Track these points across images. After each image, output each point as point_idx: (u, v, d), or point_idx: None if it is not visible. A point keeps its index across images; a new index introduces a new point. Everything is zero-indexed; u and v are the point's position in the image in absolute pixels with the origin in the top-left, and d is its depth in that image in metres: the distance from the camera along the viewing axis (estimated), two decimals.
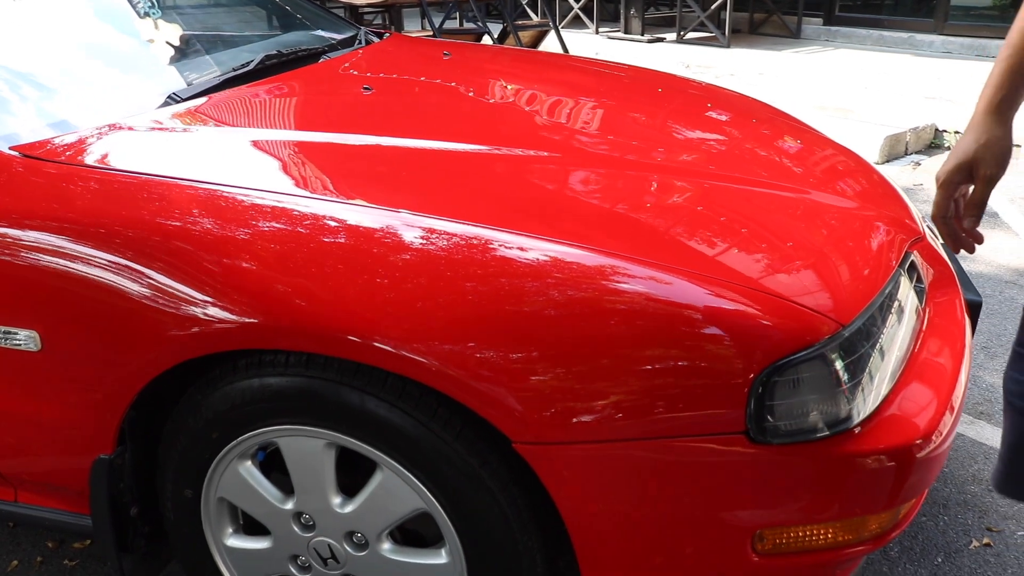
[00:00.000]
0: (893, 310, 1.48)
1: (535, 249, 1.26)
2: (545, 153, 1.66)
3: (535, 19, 9.01)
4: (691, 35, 8.89)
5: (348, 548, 1.43)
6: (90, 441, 1.46)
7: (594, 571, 1.31)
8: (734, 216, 1.47)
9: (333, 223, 1.31)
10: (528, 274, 1.23)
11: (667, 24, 9.70)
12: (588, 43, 8.79)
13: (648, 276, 1.24)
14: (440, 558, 1.39)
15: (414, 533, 1.45)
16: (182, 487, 1.48)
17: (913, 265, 1.69)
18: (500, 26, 7.33)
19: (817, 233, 1.49)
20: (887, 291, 1.45)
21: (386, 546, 1.41)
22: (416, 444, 1.29)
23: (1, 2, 1.84)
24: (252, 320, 1.27)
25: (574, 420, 1.21)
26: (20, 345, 1.43)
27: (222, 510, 1.51)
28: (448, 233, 1.28)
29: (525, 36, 7.18)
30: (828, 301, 1.29)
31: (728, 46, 8.37)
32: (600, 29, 9.65)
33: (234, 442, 1.40)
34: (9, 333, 1.42)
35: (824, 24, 8.78)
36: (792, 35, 8.92)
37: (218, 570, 1.57)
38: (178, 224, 1.33)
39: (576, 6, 9.74)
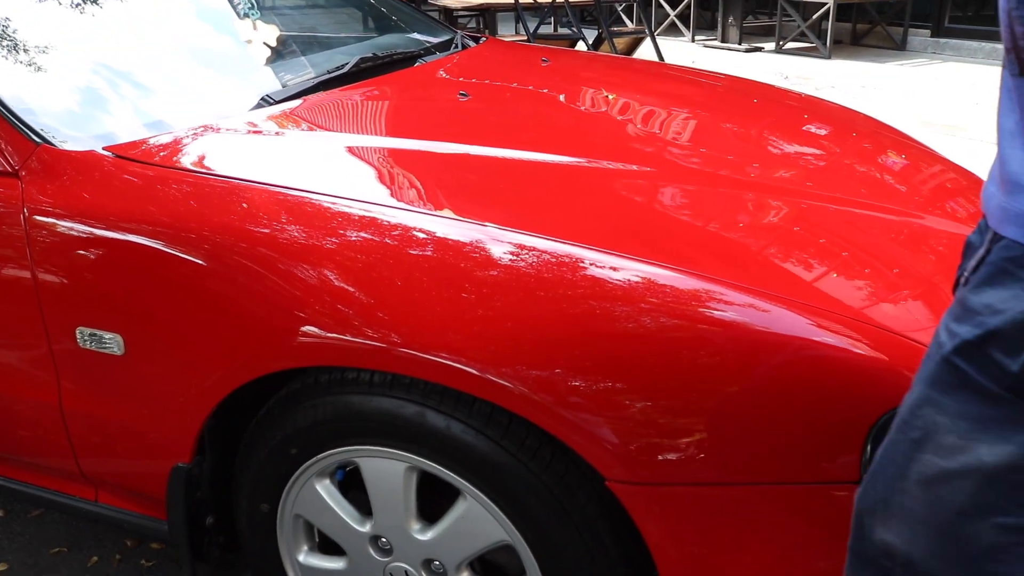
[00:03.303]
0: None
1: (629, 270, 1.17)
2: (640, 167, 1.57)
3: (630, 26, 8.91)
4: (790, 45, 8.64)
5: None
6: (168, 448, 1.43)
7: None
8: (835, 239, 1.36)
9: (422, 235, 1.25)
10: (620, 297, 1.14)
11: (766, 33, 9.47)
12: (684, 51, 8.63)
13: (750, 304, 1.13)
14: None
15: (494, 565, 1.38)
16: (258, 501, 1.44)
17: None
18: (595, 32, 7.24)
19: (925, 260, 1.37)
20: None
21: None
22: (502, 474, 1.22)
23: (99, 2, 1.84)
24: (336, 336, 1.22)
25: (673, 459, 1.12)
26: (105, 348, 1.41)
27: (298, 526, 1.46)
28: (539, 250, 1.21)
29: (620, 43, 7.07)
30: None
31: (829, 57, 8.10)
32: (696, 37, 9.47)
33: (313, 459, 1.35)
34: (95, 335, 1.41)
35: (932, 36, 8.43)
36: (897, 47, 8.59)
37: None
38: (266, 231, 1.29)
39: (672, 13, 9.58)
